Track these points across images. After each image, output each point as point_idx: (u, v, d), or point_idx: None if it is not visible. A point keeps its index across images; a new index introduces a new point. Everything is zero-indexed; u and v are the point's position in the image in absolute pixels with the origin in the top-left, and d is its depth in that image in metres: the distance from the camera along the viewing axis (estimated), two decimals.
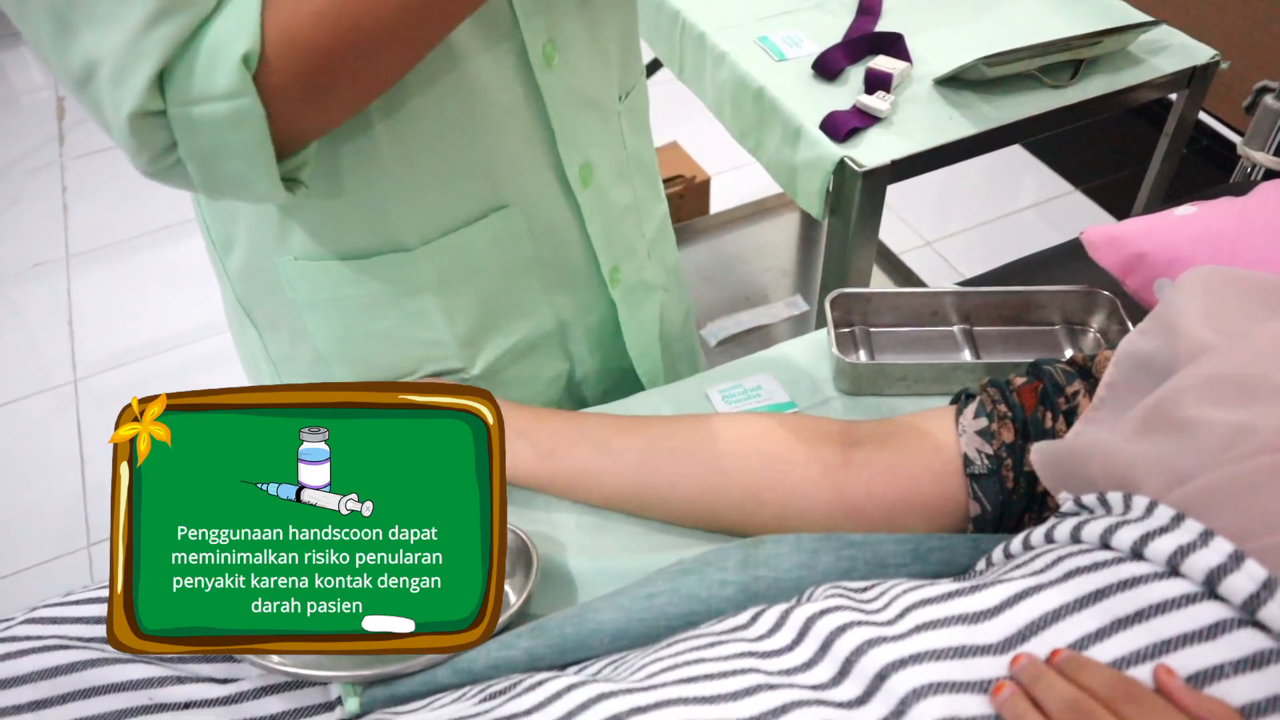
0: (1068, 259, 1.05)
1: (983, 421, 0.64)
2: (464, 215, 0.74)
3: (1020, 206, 2.38)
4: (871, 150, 1.06)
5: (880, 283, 1.83)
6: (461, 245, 0.75)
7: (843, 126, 1.06)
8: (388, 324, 0.78)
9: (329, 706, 0.61)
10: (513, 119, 0.72)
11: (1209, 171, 2.33)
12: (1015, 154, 2.51)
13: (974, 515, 0.64)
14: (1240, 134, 1.23)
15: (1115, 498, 0.49)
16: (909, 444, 0.66)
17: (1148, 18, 1.21)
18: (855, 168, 1.04)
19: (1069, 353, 0.85)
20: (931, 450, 0.65)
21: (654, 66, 1.95)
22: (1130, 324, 0.82)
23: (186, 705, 0.60)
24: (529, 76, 0.70)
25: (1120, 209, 2.26)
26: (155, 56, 0.52)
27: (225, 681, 0.62)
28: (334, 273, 0.74)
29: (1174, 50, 1.21)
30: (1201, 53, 1.20)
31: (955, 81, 1.16)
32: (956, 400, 0.68)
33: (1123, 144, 2.49)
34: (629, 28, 0.79)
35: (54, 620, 0.64)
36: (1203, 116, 2.31)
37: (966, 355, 0.85)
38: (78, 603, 0.65)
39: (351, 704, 0.59)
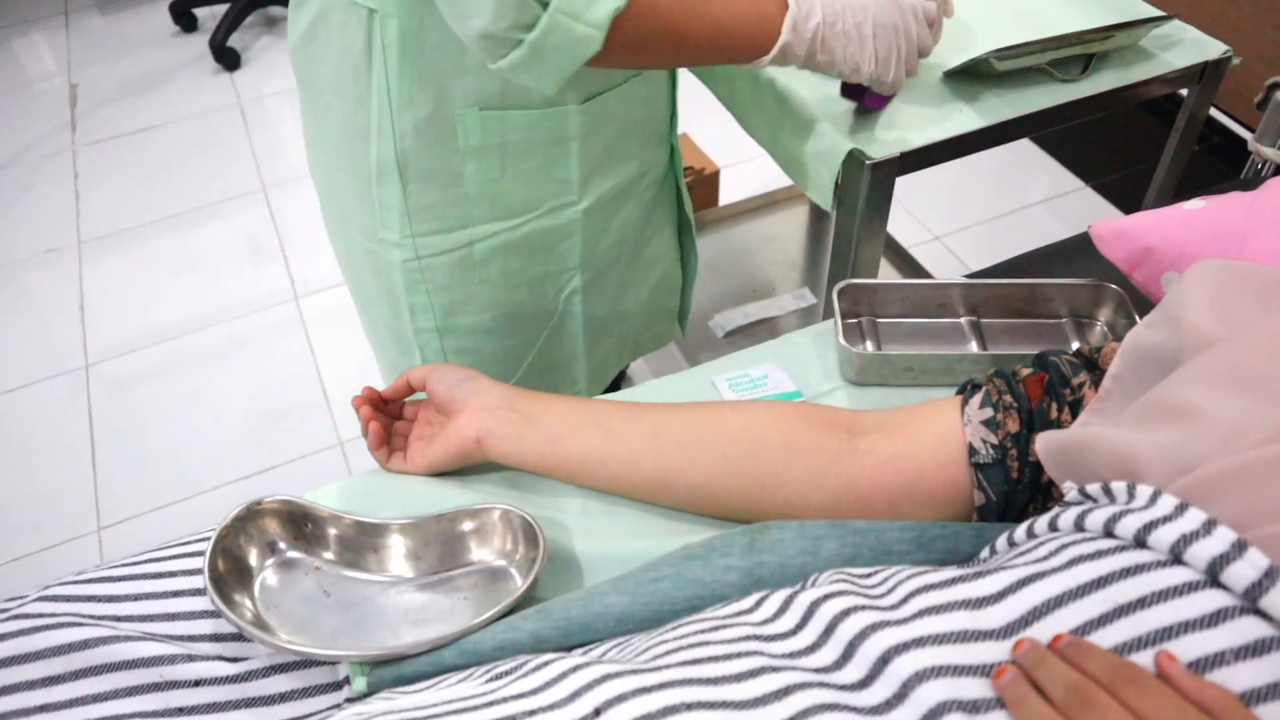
0: (1075, 253, 1.05)
1: (988, 411, 0.64)
2: (616, 79, 0.93)
3: (1030, 202, 2.37)
4: (880, 142, 1.06)
5: (888, 276, 1.83)
6: (607, 103, 0.93)
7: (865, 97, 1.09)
8: (535, 164, 0.93)
9: (337, 686, 0.62)
10: (658, 103, 0.97)
11: (1220, 168, 2.33)
12: (1025, 149, 2.50)
13: (979, 505, 0.64)
14: (1252, 131, 1.22)
15: (1119, 487, 0.50)
16: (914, 433, 0.66)
17: (1159, 12, 1.21)
18: (863, 159, 1.04)
19: (1076, 345, 0.86)
20: (936, 440, 0.65)
21: None
22: (1138, 317, 0.82)
23: (197, 683, 0.61)
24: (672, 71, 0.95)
25: (1131, 205, 2.25)
26: None
27: (235, 660, 0.63)
28: (510, 120, 0.89)
29: (1186, 45, 1.21)
30: (1213, 48, 1.19)
31: (965, 75, 1.15)
32: (962, 391, 0.69)
33: (1133, 140, 2.48)
34: None
35: (66, 598, 0.65)
36: (1214, 113, 2.30)
37: (973, 347, 0.85)
38: (89, 581, 0.66)
39: (359, 683, 0.60)
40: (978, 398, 0.66)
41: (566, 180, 0.96)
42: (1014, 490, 0.63)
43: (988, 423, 0.64)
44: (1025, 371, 0.66)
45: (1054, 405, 0.63)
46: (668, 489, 0.70)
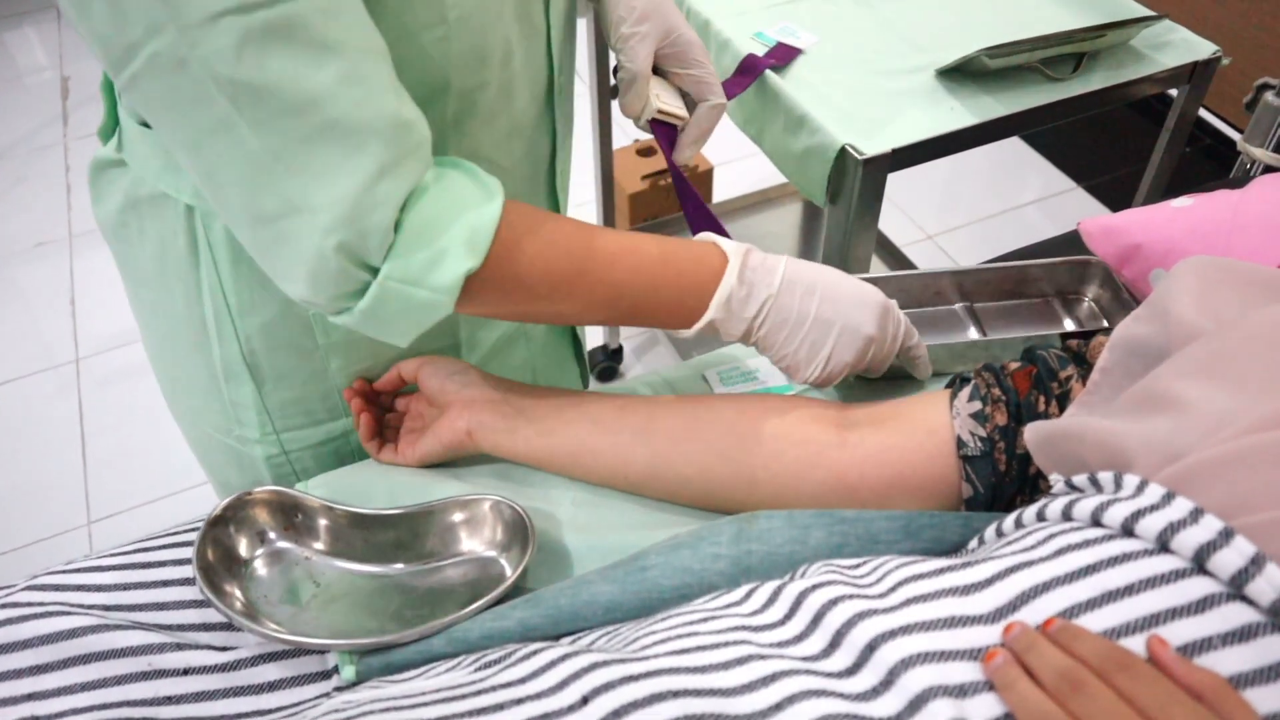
0: (1065, 250, 1.05)
1: (976, 404, 0.65)
2: None
3: (1022, 202, 2.38)
4: (872, 139, 1.06)
5: (881, 273, 1.84)
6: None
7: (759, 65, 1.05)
8: (413, 346, 0.78)
9: (326, 674, 0.62)
10: (534, 142, 0.80)
11: (1210, 169, 2.34)
12: (1017, 150, 2.51)
13: (966, 497, 0.64)
14: (1241, 132, 1.23)
15: (1106, 477, 0.50)
16: (903, 426, 0.67)
17: (1150, 12, 1.22)
18: (856, 155, 1.04)
19: (1068, 323, 0.86)
20: (925, 433, 0.66)
21: None
22: (1127, 293, 0.83)
23: (185, 671, 0.61)
24: (549, 104, 0.79)
25: (1121, 205, 2.26)
26: (386, 212, 0.57)
27: (224, 649, 0.62)
28: None
29: (1176, 45, 1.21)
30: (1203, 48, 1.20)
31: (957, 73, 1.16)
32: (951, 384, 0.69)
33: (1124, 141, 2.49)
34: None
35: (55, 587, 0.65)
36: (1204, 114, 2.31)
37: (973, 332, 0.85)
38: (79, 570, 0.66)
39: (348, 672, 0.60)
40: (966, 391, 0.66)
41: (450, 346, 0.84)
42: (1001, 483, 0.63)
43: (976, 416, 0.64)
44: (1014, 365, 0.67)
45: (1042, 398, 0.64)
46: (658, 481, 0.70)
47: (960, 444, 0.64)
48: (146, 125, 0.69)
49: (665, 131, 0.83)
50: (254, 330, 0.76)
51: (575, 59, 0.86)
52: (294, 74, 0.52)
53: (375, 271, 0.59)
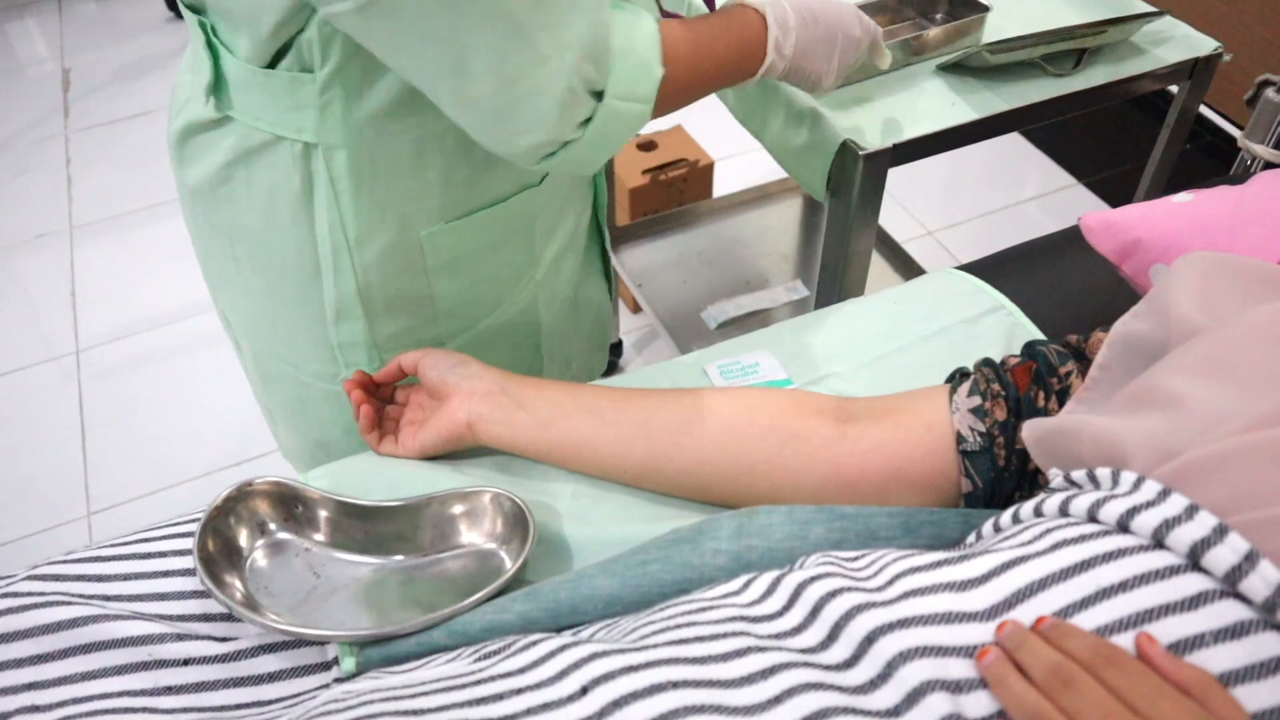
0: (1065, 245, 1.05)
1: (976, 400, 0.65)
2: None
3: (1022, 198, 2.38)
4: (873, 134, 1.06)
5: (881, 269, 1.84)
6: (559, 174, 0.89)
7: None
8: (500, 258, 0.87)
9: (326, 666, 0.62)
10: None
11: (1210, 166, 2.34)
12: (1018, 146, 2.51)
13: (965, 492, 0.65)
14: (1241, 129, 1.23)
15: (1104, 473, 0.50)
16: (902, 420, 0.67)
17: (1152, 8, 1.22)
18: (857, 150, 1.04)
19: None
20: (924, 427, 0.66)
21: None
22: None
23: (185, 662, 0.61)
24: None
25: (1122, 202, 2.25)
26: (610, 35, 0.66)
27: (224, 640, 0.63)
28: (478, 223, 0.83)
29: (1177, 41, 1.21)
30: (1205, 44, 1.20)
31: (958, 68, 1.16)
32: (951, 380, 0.69)
33: (1125, 137, 2.49)
34: None
35: (55, 577, 0.65)
36: (1205, 111, 2.31)
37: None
38: (79, 560, 0.66)
39: (348, 663, 0.60)
40: (966, 386, 0.66)
41: (529, 261, 0.91)
42: (1000, 478, 0.64)
43: (975, 411, 0.65)
44: (1013, 360, 0.67)
45: (1041, 393, 0.64)
46: (657, 473, 0.71)
47: (959, 439, 0.64)
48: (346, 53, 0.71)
49: None
50: (371, 260, 0.81)
51: None
52: None
53: (600, 95, 0.68)
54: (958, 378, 0.68)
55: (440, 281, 0.85)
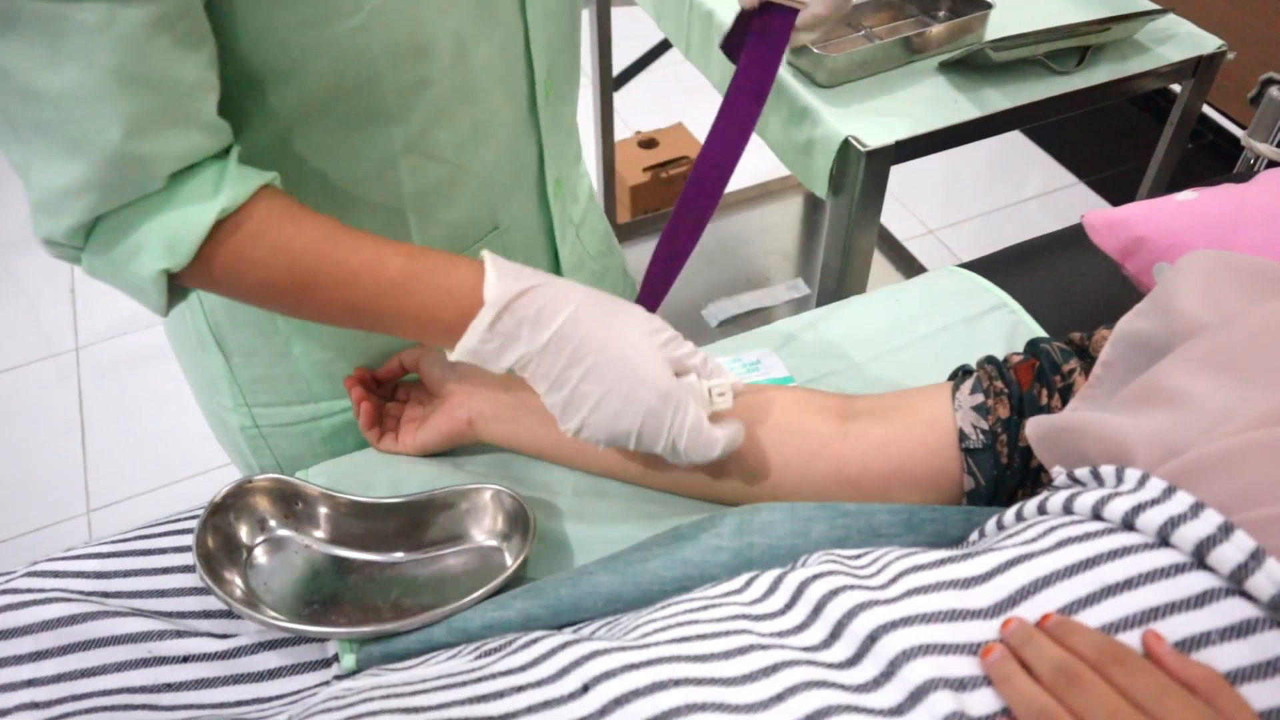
0: (1068, 244, 1.05)
1: (979, 397, 0.65)
2: (466, 240, 0.80)
3: (1024, 197, 2.38)
4: (875, 131, 1.06)
5: (883, 268, 1.84)
6: None
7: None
8: (381, 340, 0.80)
9: (326, 663, 0.62)
10: (512, 147, 0.78)
11: (1212, 166, 2.33)
12: (1019, 145, 2.51)
13: (968, 490, 0.64)
14: (1244, 129, 1.23)
15: (1108, 471, 0.50)
16: (905, 418, 0.67)
17: (1155, 6, 1.21)
18: (859, 148, 1.04)
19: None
20: (927, 425, 0.66)
21: (662, 48, 1.95)
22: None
23: (185, 659, 0.61)
24: (532, 109, 0.77)
25: (1123, 201, 2.26)
26: (70, 220, 0.57)
27: (224, 636, 0.62)
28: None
29: (1181, 39, 1.21)
30: (1208, 42, 1.20)
31: (960, 65, 1.16)
32: (954, 378, 0.69)
33: (1127, 137, 2.49)
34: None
35: (55, 574, 0.65)
36: (1207, 111, 2.31)
37: None
38: (78, 557, 0.66)
39: (348, 661, 0.60)
40: (969, 384, 0.66)
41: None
42: (1003, 475, 0.63)
43: (978, 408, 0.64)
44: (1016, 358, 0.66)
45: (1044, 391, 0.64)
46: (660, 472, 0.70)
47: (962, 437, 0.64)
48: None
49: (778, 19, 0.75)
50: (216, 304, 0.78)
51: (578, 58, 0.83)
52: (28, 66, 0.52)
53: (80, 251, 0.59)
54: (960, 375, 0.68)
55: (299, 345, 0.78)
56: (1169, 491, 0.45)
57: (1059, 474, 0.55)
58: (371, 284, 0.62)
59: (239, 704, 0.60)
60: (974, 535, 0.57)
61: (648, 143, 1.97)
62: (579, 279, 0.91)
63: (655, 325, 0.64)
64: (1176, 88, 1.24)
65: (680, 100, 2.05)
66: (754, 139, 1.26)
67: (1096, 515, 0.47)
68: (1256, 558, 0.41)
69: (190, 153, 0.58)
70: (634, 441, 0.62)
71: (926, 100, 1.12)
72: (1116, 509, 0.46)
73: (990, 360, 0.67)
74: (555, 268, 0.90)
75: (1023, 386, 0.64)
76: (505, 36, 0.71)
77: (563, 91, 0.80)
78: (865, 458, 0.66)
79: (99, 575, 0.65)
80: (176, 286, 0.61)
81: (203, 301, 0.78)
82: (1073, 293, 0.98)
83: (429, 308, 0.62)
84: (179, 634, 0.61)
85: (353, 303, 0.62)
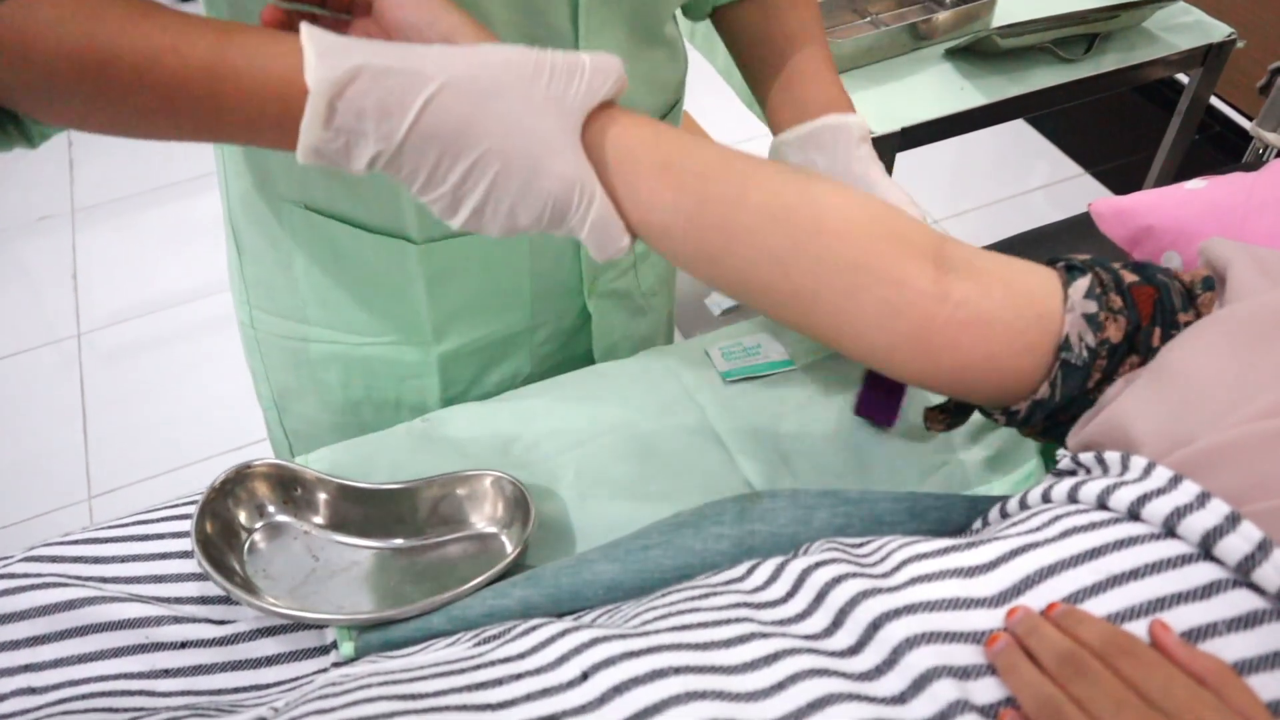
0: (1074, 232, 1.04)
1: (1092, 305, 0.55)
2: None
3: (1029, 188, 2.37)
4: (881, 117, 1.05)
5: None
6: (462, 248, 0.76)
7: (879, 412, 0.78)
8: (374, 289, 0.79)
9: (324, 650, 0.62)
10: None
11: (1220, 157, 2.32)
12: (1025, 135, 2.50)
13: (1039, 397, 0.56)
14: (1251, 119, 1.22)
15: (1113, 457, 0.49)
16: (1014, 300, 0.56)
17: None
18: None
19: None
20: (1035, 316, 0.55)
21: None
22: None
23: (183, 645, 0.60)
24: None
25: (1129, 193, 2.25)
26: None
27: (222, 623, 0.62)
28: (338, 231, 0.75)
29: (1190, 28, 1.20)
30: (1217, 30, 1.19)
31: (967, 52, 1.15)
32: (1053, 263, 0.59)
33: (1134, 127, 2.48)
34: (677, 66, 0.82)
35: (52, 559, 0.64)
36: (1215, 102, 2.29)
37: None
38: (75, 542, 0.66)
39: (346, 648, 0.60)
40: (1083, 283, 0.56)
41: (413, 322, 0.80)
42: (1079, 399, 0.56)
43: (1089, 319, 0.55)
44: (1131, 277, 0.57)
45: (1159, 332, 0.55)
46: (710, 265, 0.57)
47: (1066, 345, 0.55)
48: None
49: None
50: (236, 198, 0.78)
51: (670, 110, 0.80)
52: None
53: None
54: (1066, 268, 0.58)
55: (301, 258, 0.76)
56: (1175, 481, 0.45)
57: (1063, 457, 0.54)
58: (178, 65, 0.48)
59: (236, 690, 0.59)
60: (977, 523, 0.57)
61: None
62: (609, 306, 0.89)
63: (542, 75, 0.50)
64: (1184, 78, 1.23)
65: (687, 90, 2.04)
66: (759, 126, 1.26)
67: (1102, 504, 0.47)
68: (1263, 549, 0.41)
69: None
70: (533, 231, 0.53)
71: (932, 87, 1.11)
72: (1122, 498, 0.46)
73: (1100, 264, 0.57)
74: (579, 270, 0.85)
75: (1142, 318, 0.55)
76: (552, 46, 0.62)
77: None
78: (960, 333, 0.55)
79: (97, 560, 0.65)
80: None
81: (229, 194, 0.78)
82: None
83: (251, 97, 0.49)
84: (177, 620, 0.61)
85: (159, 91, 0.49)
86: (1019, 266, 0.58)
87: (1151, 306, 0.55)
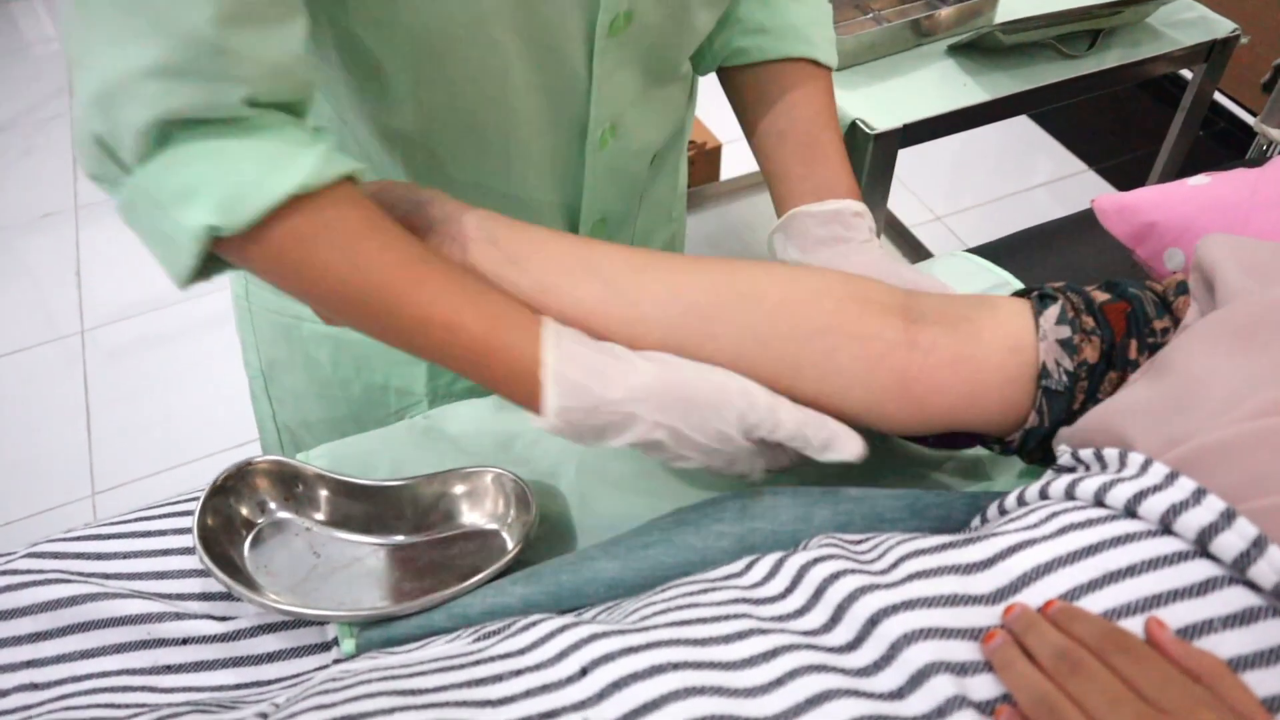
0: (1077, 229, 1.04)
1: (1065, 330, 0.56)
2: None
3: (1032, 184, 2.36)
4: (883, 114, 1.05)
5: (890, 254, 1.82)
6: None
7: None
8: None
9: (325, 646, 0.62)
10: (548, 178, 0.74)
11: (1224, 154, 2.31)
12: (1028, 131, 2.49)
13: (1030, 426, 0.58)
14: (1255, 116, 1.22)
15: (1111, 454, 0.49)
16: (984, 335, 0.57)
17: None
18: (867, 130, 1.03)
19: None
20: (1008, 349, 0.57)
21: None
22: None
23: (184, 641, 0.61)
24: (579, 153, 0.73)
25: (1133, 189, 2.25)
26: (141, 112, 0.49)
27: (223, 619, 0.62)
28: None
29: (1194, 23, 1.20)
30: (1221, 26, 1.19)
31: (970, 48, 1.15)
32: (1025, 295, 0.60)
33: (1137, 124, 2.47)
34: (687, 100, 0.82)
35: (55, 555, 0.65)
36: (1219, 98, 2.29)
37: None
38: (78, 539, 0.66)
39: (347, 645, 0.60)
40: (1054, 310, 0.57)
41: (410, 391, 0.84)
42: (1070, 420, 0.57)
43: (1064, 344, 0.56)
44: (1102, 296, 0.58)
45: (1135, 344, 0.56)
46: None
47: (1044, 373, 0.56)
48: None
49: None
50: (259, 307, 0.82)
51: (676, 133, 0.80)
52: None
53: (129, 170, 0.52)
54: (1036, 297, 0.59)
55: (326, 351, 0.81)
56: (1172, 478, 0.45)
57: (1063, 454, 0.54)
58: (443, 341, 0.56)
59: (238, 686, 0.59)
60: (975, 521, 0.57)
61: None
62: None
63: (750, 419, 0.57)
64: (1188, 74, 1.23)
65: None
66: None
67: (1099, 501, 0.47)
68: (1259, 546, 0.41)
69: (279, 69, 0.51)
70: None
71: (935, 83, 1.11)
72: (1119, 495, 0.46)
73: (1072, 289, 0.59)
74: None
75: (1115, 334, 0.56)
76: (564, 84, 0.67)
77: (628, 147, 0.76)
78: (936, 376, 0.56)
79: (99, 556, 0.65)
80: (212, 256, 0.55)
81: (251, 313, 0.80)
82: (1082, 279, 0.96)
83: (502, 386, 0.58)
84: (178, 616, 0.61)
85: (415, 344, 0.57)
86: (989, 303, 0.59)
87: (1125, 321, 0.57)
